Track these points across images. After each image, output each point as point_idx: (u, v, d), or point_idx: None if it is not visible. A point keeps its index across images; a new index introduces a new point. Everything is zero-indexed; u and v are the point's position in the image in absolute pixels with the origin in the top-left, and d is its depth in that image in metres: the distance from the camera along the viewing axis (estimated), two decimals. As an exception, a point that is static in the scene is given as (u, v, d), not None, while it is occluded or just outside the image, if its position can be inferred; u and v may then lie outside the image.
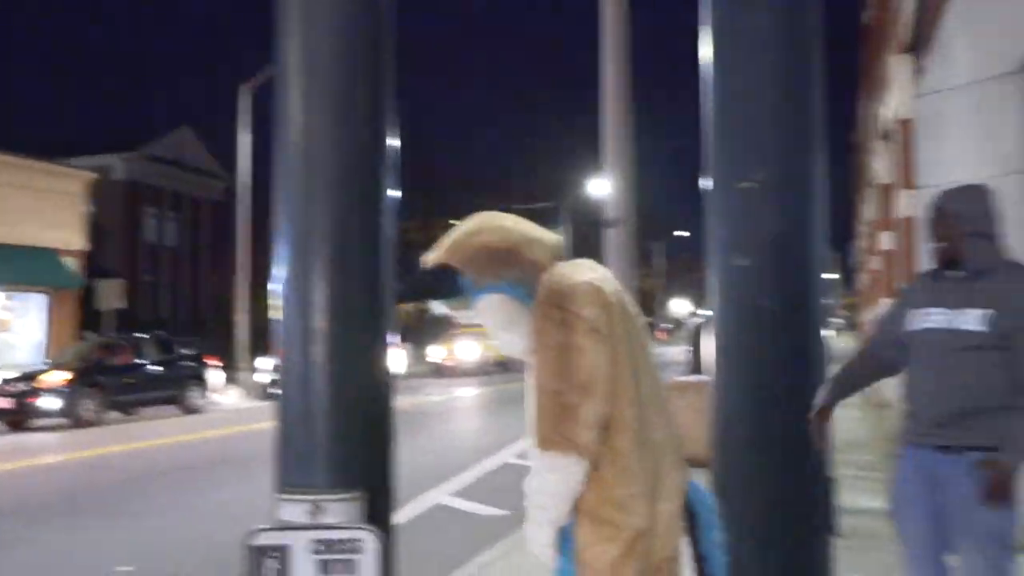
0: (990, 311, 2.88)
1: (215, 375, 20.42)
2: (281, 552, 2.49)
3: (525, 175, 51.58)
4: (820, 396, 3.15)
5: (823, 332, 3.97)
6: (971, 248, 2.97)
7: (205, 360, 20.00)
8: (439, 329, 34.97)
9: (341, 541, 2.51)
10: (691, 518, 2.20)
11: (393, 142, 3.03)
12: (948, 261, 3.04)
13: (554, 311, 2.09)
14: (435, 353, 34.35)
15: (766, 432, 3.45)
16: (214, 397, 20.25)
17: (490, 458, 10.25)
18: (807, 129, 4.03)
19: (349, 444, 2.76)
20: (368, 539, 2.51)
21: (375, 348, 2.91)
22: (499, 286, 2.21)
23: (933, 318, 3.01)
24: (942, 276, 3.08)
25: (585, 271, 2.22)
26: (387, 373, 2.94)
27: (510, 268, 2.20)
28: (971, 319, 2.91)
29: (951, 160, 5.81)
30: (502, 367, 30.31)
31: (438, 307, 37.18)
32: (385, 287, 2.95)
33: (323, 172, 2.85)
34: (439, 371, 33.17)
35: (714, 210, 4.02)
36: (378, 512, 2.72)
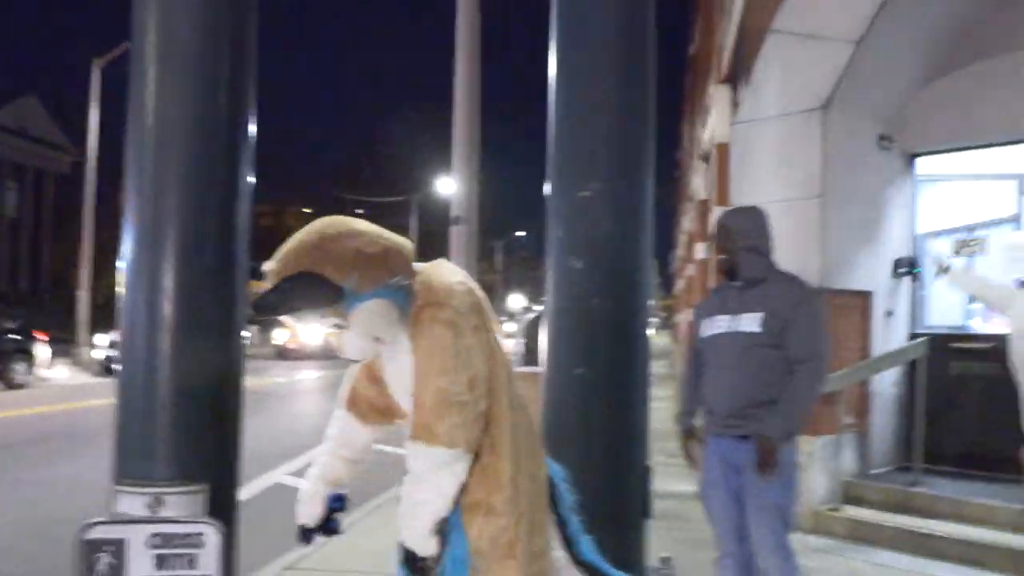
0: (761, 314, 3.16)
1: (43, 350, 18.88)
2: (116, 546, 2.31)
3: (376, 168, 50.68)
4: (681, 421, 3.39)
5: (648, 332, 4.17)
6: (746, 261, 3.26)
7: (34, 334, 18.49)
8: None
9: (181, 535, 2.35)
10: (550, 488, 2.30)
11: (252, 126, 2.86)
12: (728, 272, 3.31)
13: (441, 312, 2.06)
14: (279, 336, 33.32)
15: (590, 422, 3.56)
16: (42, 372, 18.74)
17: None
18: (639, 145, 4.20)
19: (193, 436, 2.56)
20: (210, 533, 2.36)
21: (226, 338, 2.70)
22: (381, 292, 2.08)
23: (719, 324, 3.28)
24: (725, 287, 3.36)
25: (452, 272, 2.21)
26: (237, 364, 2.74)
27: (389, 273, 2.09)
28: (748, 322, 3.20)
29: (760, 182, 6.19)
30: None
31: None
32: (239, 276, 2.74)
33: (178, 154, 2.62)
34: (283, 354, 32.20)
35: (554, 214, 4.13)
36: (221, 505, 2.54)
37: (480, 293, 2.21)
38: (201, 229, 2.63)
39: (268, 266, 2.11)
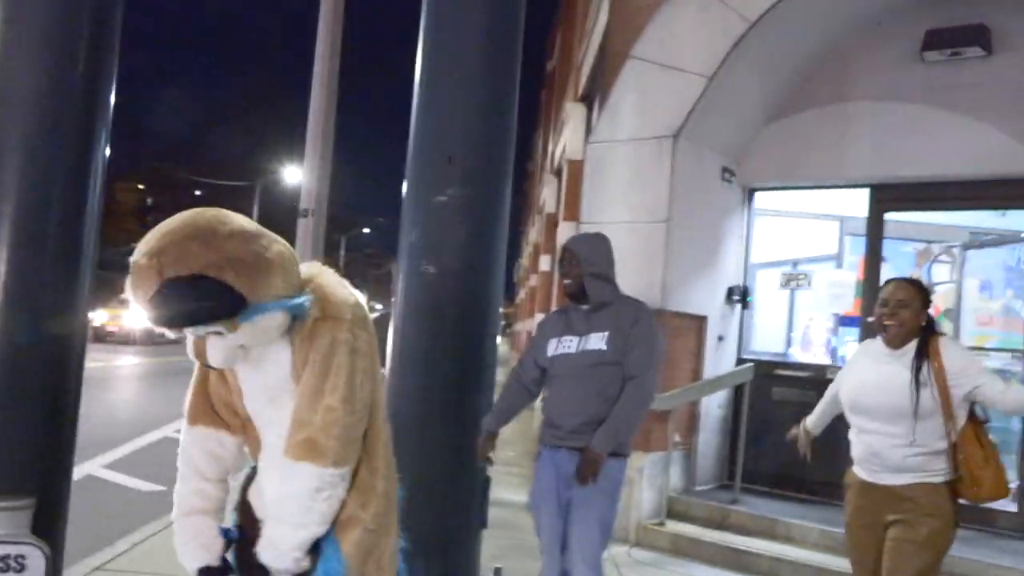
0: (607, 333, 3.30)
1: None
2: None
3: (222, 149, 48.46)
4: (486, 422, 3.42)
5: (493, 340, 4.14)
6: (592, 286, 3.38)
7: None
8: (105, 291, 31.62)
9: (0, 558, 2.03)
10: None
11: (111, 94, 2.51)
12: (575, 295, 3.42)
13: (339, 331, 1.93)
14: (98, 316, 31.07)
15: (433, 430, 3.49)
16: None
17: (150, 431, 9.45)
18: (501, 154, 4.19)
19: (18, 443, 2.25)
20: (33, 555, 2.07)
21: (65, 327, 2.35)
22: (284, 303, 1.86)
23: (568, 344, 3.39)
24: (573, 308, 3.46)
25: (341, 284, 2.05)
26: (78, 357, 2.43)
27: (285, 281, 1.87)
28: (595, 341, 3.33)
29: (611, 203, 6.34)
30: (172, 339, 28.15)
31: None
32: (84, 260, 2.41)
33: (22, 126, 2.31)
34: (100, 336, 30.05)
35: (409, 217, 4.04)
36: (48, 522, 2.25)
37: (363, 303, 2.08)
38: (44, 205, 2.31)
39: (145, 261, 1.74)
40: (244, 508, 2.10)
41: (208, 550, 2.03)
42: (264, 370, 1.96)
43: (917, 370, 2.96)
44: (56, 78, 2.32)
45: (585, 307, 3.40)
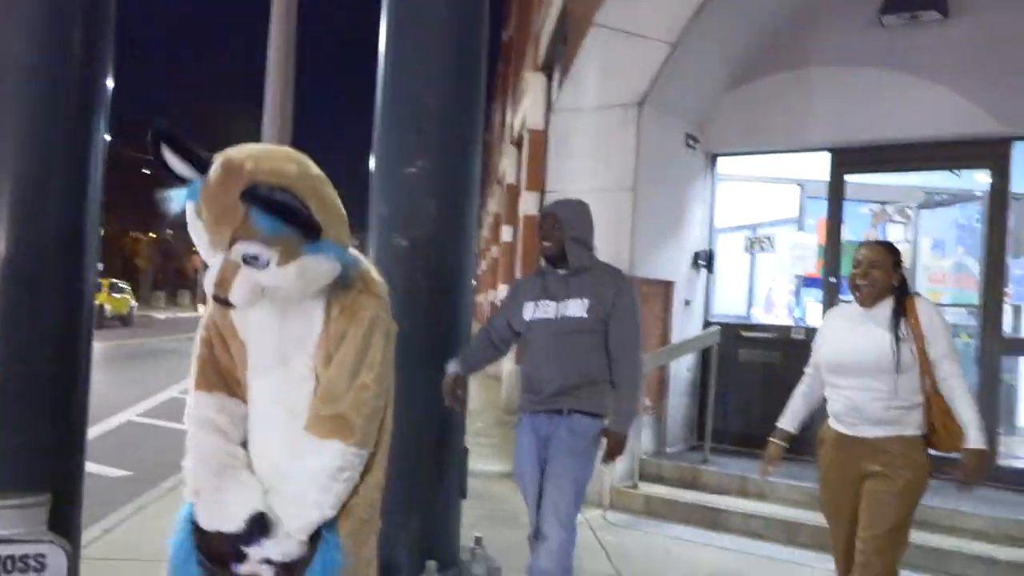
0: (587, 301, 3.30)
1: None
2: None
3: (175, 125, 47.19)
4: (451, 366, 3.47)
5: (467, 310, 4.14)
6: (572, 250, 3.37)
7: None
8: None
9: (17, 558, 1.90)
10: None
11: (107, 77, 2.38)
12: (553, 259, 3.40)
13: (381, 310, 1.92)
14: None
15: (413, 404, 3.49)
16: None
17: (112, 417, 9.29)
18: (468, 125, 4.16)
19: (28, 435, 2.12)
20: (52, 554, 1.95)
21: (71, 319, 2.25)
22: (339, 251, 1.84)
23: (546, 309, 3.37)
24: (550, 272, 3.45)
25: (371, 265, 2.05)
26: (85, 344, 2.32)
27: (345, 238, 1.87)
28: (575, 307, 3.33)
29: (577, 172, 6.33)
30: (121, 321, 27.66)
31: None
32: (88, 245, 2.30)
33: (16, 106, 2.20)
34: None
35: (379, 190, 4.00)
36: (64, 518, 2.14)
37: None
38: (44, 189, 2.19)
39: (241, 160, 1.75)
40: None
41: (257, 498, 1.86)
42: (289, 321, 1.90)
43: (896, 327, 3.05)
44: (51, 59, 2.24)
45: (563, 271, 3.39)
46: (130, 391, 10.97)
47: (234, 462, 1.92)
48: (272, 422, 1.93)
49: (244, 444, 1.98)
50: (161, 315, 39.03)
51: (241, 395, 2.00)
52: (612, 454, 3.28)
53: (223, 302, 1.80)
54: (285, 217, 1.73)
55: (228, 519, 1.83)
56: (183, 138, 1.78)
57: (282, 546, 1.83)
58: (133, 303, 30.12)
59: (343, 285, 1.89)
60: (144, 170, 43.64)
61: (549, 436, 3.31)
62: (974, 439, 2.97)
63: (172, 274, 57.86)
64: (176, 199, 1.82)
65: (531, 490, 3.38)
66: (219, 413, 1.96)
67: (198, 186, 1.78)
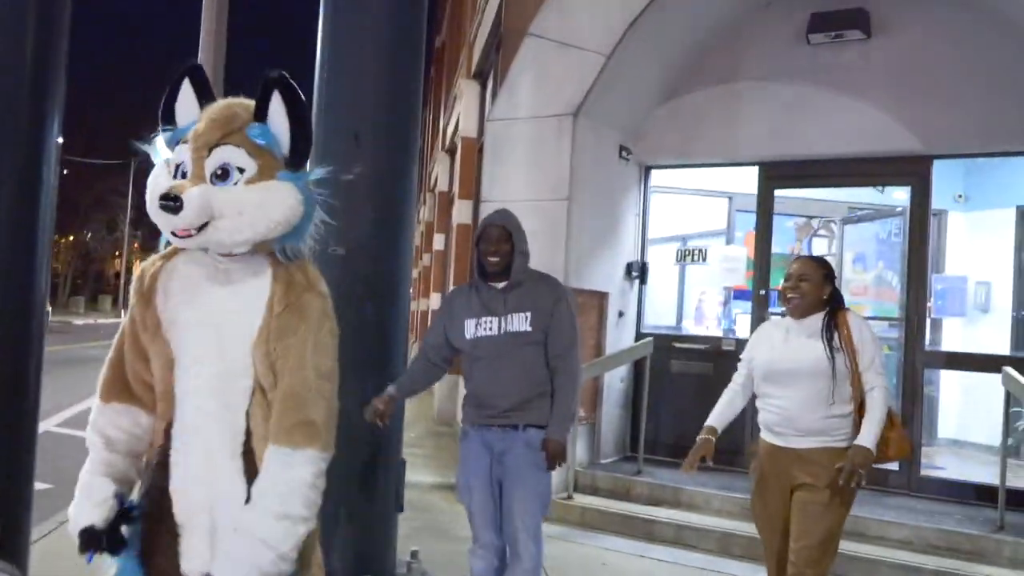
0: (529, 314, 3.29)
1: None
2: None
3: (94, 125, 45.67)
4: (389, 389, 3.39)
5: (403, 320, 4.06)
6: (518, 265, 3.35)
7: None
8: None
9: None
10: None
11: (61, 79, 2.26)
12: (495, 273, 3.34)
13: (327, 308, 1.89)
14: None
15: (349, 417, 3.39)
16: None
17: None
18: (405, 132, 4.10)
19: None
20: None
21: (20, 323, 2.14)
22: (306, 188, 1.89)
23: (487, 324, 3.33)
24: (483, 286, 3.39)
25: None
26: (36, 356, 2.22)
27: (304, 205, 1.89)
28: (517, 322, 3.30)
29: (510, 181, 6.30)
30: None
31: None
32: (40, 255, 2.19)
33: None
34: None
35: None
36: (12, 540, 2.06)
37: None
38: None
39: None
40: (157, 499, 1.87)
41: (98, 509, 1.84)
42: (228, 313, 1.84)
43: (829, 339, 3.11)
44: (3, 61, 2.15)
45: (500, 285, 3.35)
46: (48, 400, 10.47)
47: (109, 471, 1.88)
48: (206, 416, 1.83)
49: (165, 448, 1.86)
50: (80, 321, 37.50)
51: (149, 402, 1.94)
52: (553, 461, 3.25)
53: (171, 205, 1.74)
54: (297, 118, 1.83)
55: (78, 519, 1.84)
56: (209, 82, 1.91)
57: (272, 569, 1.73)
58: (47, 308, 28.87)
59: (292, 255, 1.88)
60: (63, 170, 42.03)
61: (504, 452, 3.28)
62: (866, 438, 3.04)
63: (93, 278, 55.77)
64: (155, 144, 1.90)
65: (480, 503, 3.33)
66: (112, 424, 1.92)
67: (181, 134, 1.86)
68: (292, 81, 1.83)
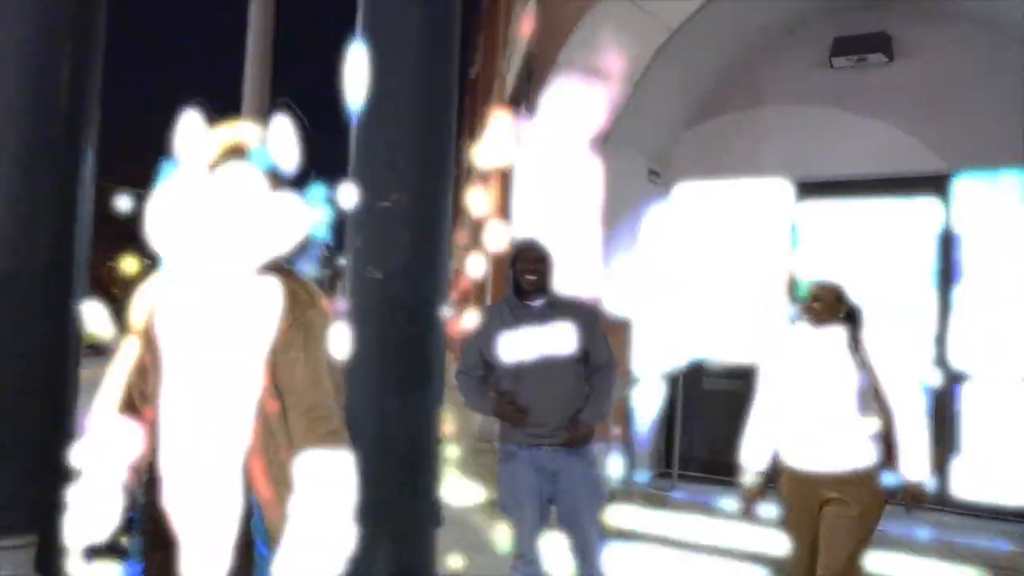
0: (570, 332, 3.38)
1: None
2: None
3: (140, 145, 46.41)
4: (482, 413, 3.59)
5: (440, 340, 4.17)
6: (552, 282, 3.47)
7: None
8: None
9: None
10: None
11: (96, 107, 2.36)
12: (530, 292, 3.44)
13: (327, 327, 1.93)
14: None
15: (385, 431, 3.52)
16: None
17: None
18: (441, 158, 4.23)
19: (13, 473, 2.09)
20: None
21: (57, 343, 2.22)
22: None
23: (530, 343, 3.41)
24: (520, 305, 3.48)
25: None
26: (72, 374, 2.30)
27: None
28: (561, 340, 3.39)
29: (543, 206, 6.42)
30: (94, 350, 27.03)
31: None
32: (76, 272, 2.29)
33: (9, 134, 2.22)
34: None
35: (354, 222, 4.04)
36: (50, 559, 2.06)
37: None
38: (32, 216, 2.20)
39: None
40: (156, 513, 1.89)
41: (104, 522, 1.87)
42: (239, 307, 1.87)
43: (852, 351, 3.16)
44: (39, 89, 2.26)
45: (537, 303, 3.44)
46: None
47: (109, 484, 1.90)
48: (205, 430, 1.85)
49: (164, 462, 1.90)
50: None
51: (148, 415, 1.95)
52: (578, 440, 3.35)
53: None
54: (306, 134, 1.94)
55: (79, 534, 1.87)
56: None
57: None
58: (111, 330, 29.40)
59: (295, 267, 1.95)
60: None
61: (557, 471, 3.35)
62: (917, 471, 3.08)
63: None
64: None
65: (530, 522, 3.38)
66: (113, 438, 1.95)
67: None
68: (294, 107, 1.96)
